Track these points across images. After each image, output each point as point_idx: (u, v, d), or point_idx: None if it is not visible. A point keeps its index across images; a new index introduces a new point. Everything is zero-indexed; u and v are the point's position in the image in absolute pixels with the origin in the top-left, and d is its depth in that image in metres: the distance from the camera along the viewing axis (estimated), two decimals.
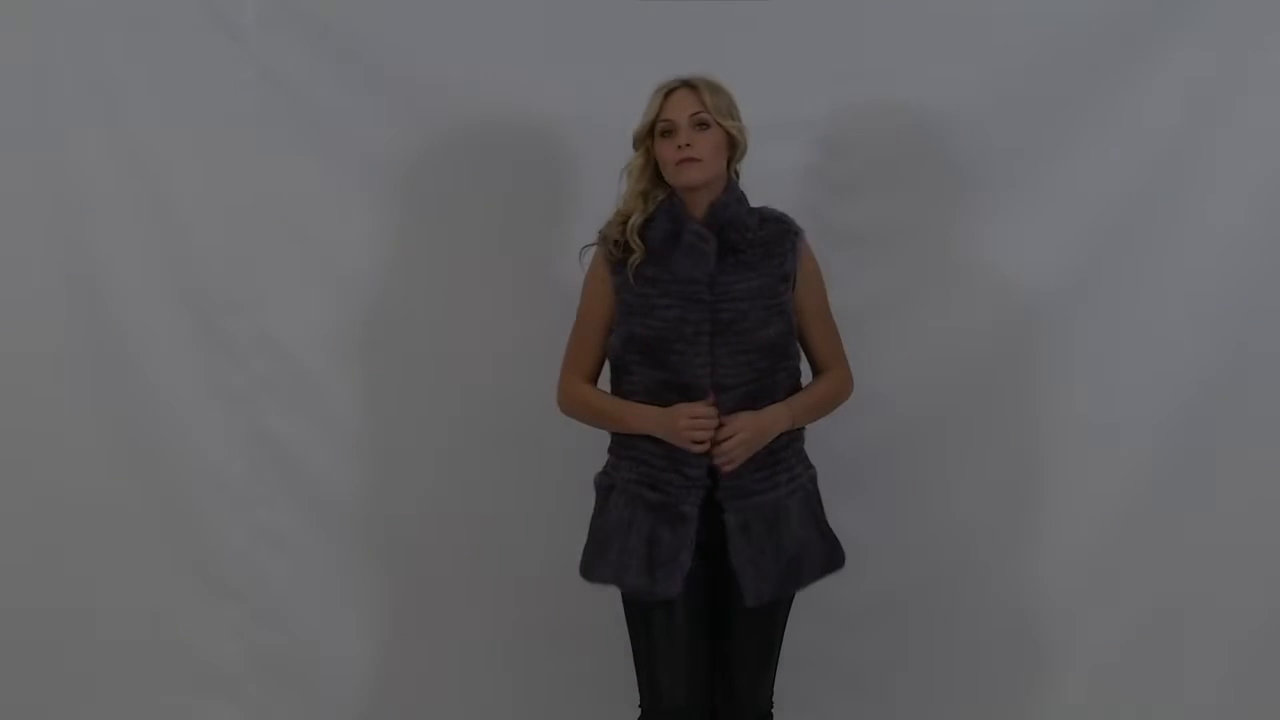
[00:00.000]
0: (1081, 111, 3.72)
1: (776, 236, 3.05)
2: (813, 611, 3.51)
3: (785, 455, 3.05)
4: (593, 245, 3.14)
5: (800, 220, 3.19)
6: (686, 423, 2.93)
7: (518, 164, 3.79)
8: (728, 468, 2.96)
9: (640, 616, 3.06)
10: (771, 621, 3.12)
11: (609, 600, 3.17)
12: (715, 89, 3.02)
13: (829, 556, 3.12)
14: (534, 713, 3.92)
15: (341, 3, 3.80)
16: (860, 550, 3.80)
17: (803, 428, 3.14)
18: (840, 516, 3.36)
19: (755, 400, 2.98)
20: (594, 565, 3.08)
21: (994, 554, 3.83)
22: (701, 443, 2.93)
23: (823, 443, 3.44)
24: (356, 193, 3.83)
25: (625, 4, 3.71)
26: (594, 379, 3.15)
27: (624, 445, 3.08)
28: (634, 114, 3.11)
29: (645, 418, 2.99)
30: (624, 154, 3.16)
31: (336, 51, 3.80)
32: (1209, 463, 3.77)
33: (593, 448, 3.26)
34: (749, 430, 2.96)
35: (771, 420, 3.00)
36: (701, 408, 2.94)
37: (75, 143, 3.81)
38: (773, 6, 3.68)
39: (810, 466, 3.17)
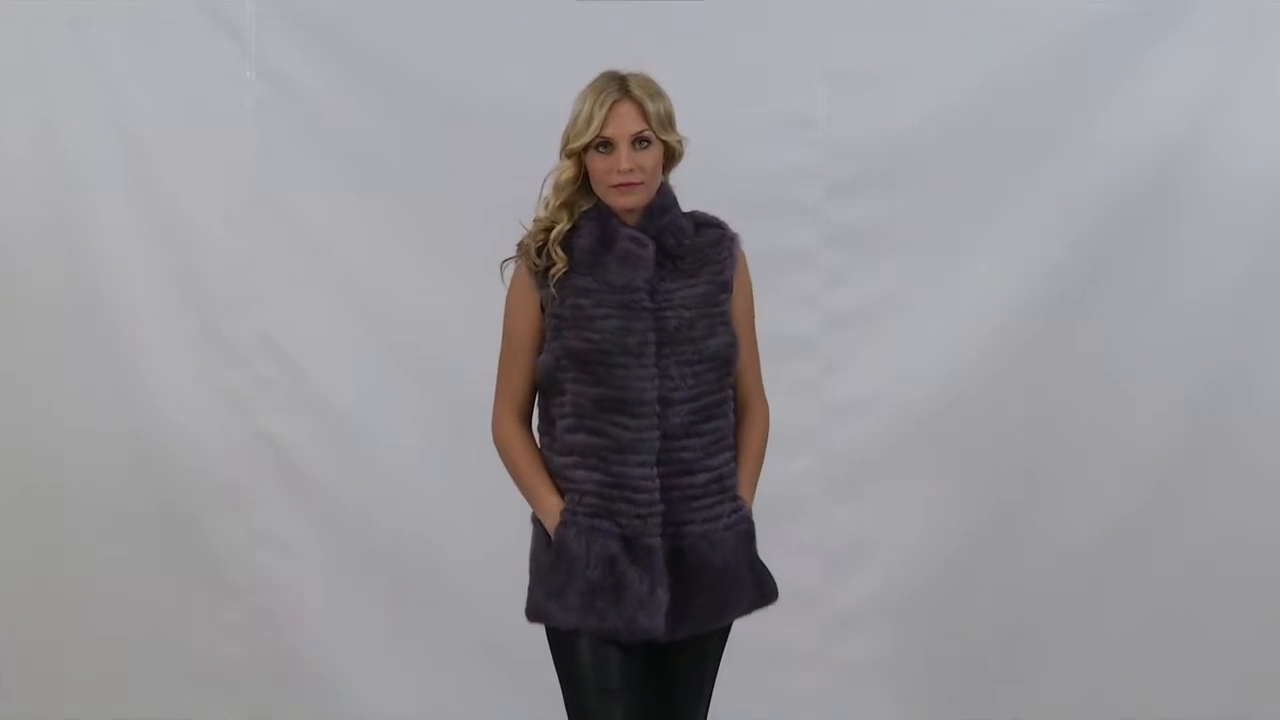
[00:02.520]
0: (1080, 111, 3.72)
1: (713, 242, 2.78)
2: (812, 612, 3.52)
3: (730, 485, 2.76)
4: (512, 259, 2.84)
5: (800, 221, 3.18)
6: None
7: (519, 164, 3.76)
8: None
9: (590, 657, 2.75)
10: (695, 661, 2.81)
11: None
12: (654, 94, 2.74)
13: (759, 595, 2.80)
14: (533, 713, 3.91)
15: (340, 2, 3.80)
16: (860, 550, 3.80)
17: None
18: (840, 516, 3.37)
19: (705, 417, 2.72)
20: (549, 608, 2.79)
21: (994, 554, 3.82)
22: None
23: (821, 442, 3.44)
24: (356, 192, 3.83)
25: (626, 5, 3.71)
26: (529, 405, 2.87)
27: (561, 475, 2.78)
28: None
29: (547, 514, 2.80)
30: None
31: (336, 51, 3.80)
32: (1209, 462, 3.77)
33: None
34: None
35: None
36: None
37: (75, 142, 3.82)
38: (773, 6, 3.69)
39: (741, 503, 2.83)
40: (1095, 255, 3.76)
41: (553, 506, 2.77)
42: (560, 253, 2.74)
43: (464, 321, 3.82)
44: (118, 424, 3.85)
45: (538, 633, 3.90)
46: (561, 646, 2.80)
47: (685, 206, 2.79)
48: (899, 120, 3.74)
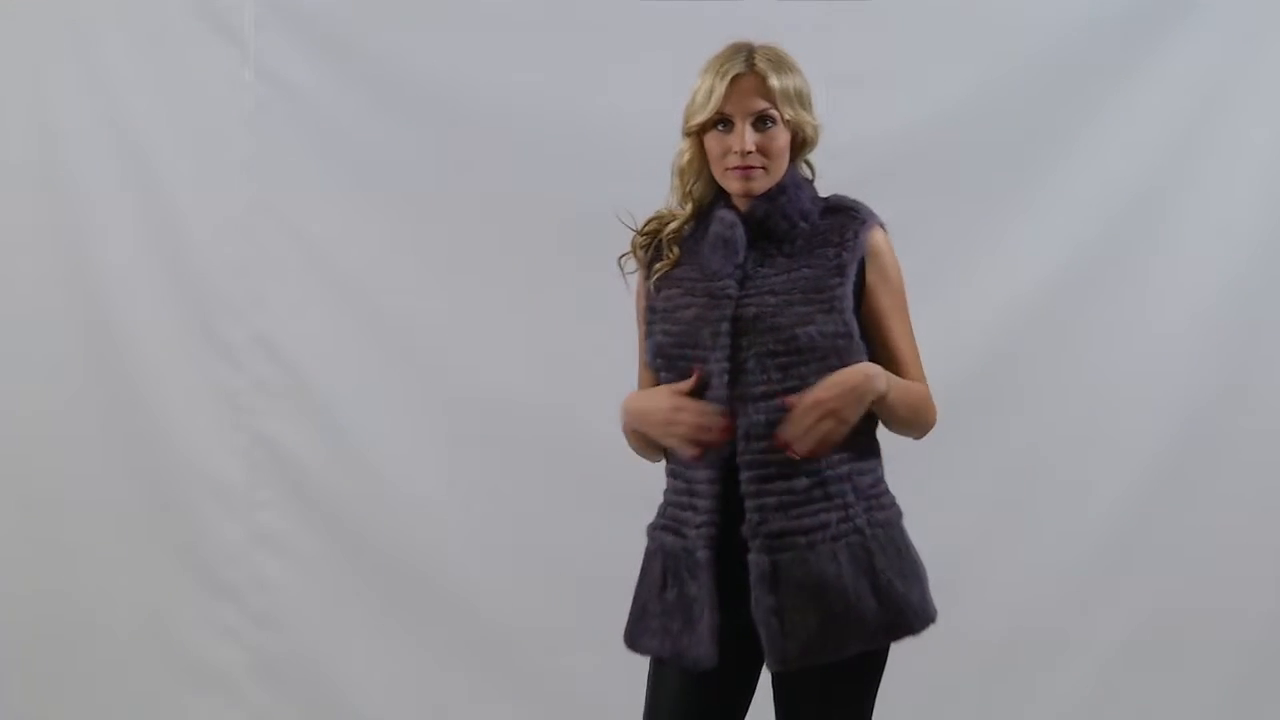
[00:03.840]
0: (1081, 112, 3.72)
1: (836, 226, 2.45)
2: None
3: (840, 490, 2.40)
4: (628, 254, 2.59)
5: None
6: (670, 411, 2.37)
7: (518, 165, 3.79)
8: (802, 452, 2.34)
9: (653, 685, 2.51)
10: (823, 695, 2.43)
11: (608, 602, 3.14)
12: (783, 68, 2.44)
13: (889, 623, 2.42)
14: (532, 716, 3.91)
15: (339, 4, 3.81)
16: None
17: (877, 466, 2.50)
18: None
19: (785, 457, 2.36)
20: (637, 634, 2.51)
21: (992, 556, 3.83)
22: (696, 441, 2.36)
23: None
24: (355, 195, 3.83)
25: (625, 3, 3.71)
26: None
27: (665, 486, 2.52)
28: (633, 112, 3.05)
29: (630, 400, 2.46)
30: (626, 154, 3.14)
31: (334, 53, 3.81)
32: (1210, 464, 3.78)
33: (592, 450, 3.24)
34: (852, 387, 2.33)
35: (850, 374, 2.35)
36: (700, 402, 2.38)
37: (73, 145, 3.83)
38: (770, 8, 3.69)
39: (880, 507, 2.47)
40: (1095, 257, 3.77)
41: (628, 402, 2.44)
42: (674, 250, 2.48)
43: (464, 324, 3.83)
44: (116, 426, 3.85)
45: (536, 635, 3.92)
46: (649, 673, 2.53)
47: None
48: (898, 123, 3.75)
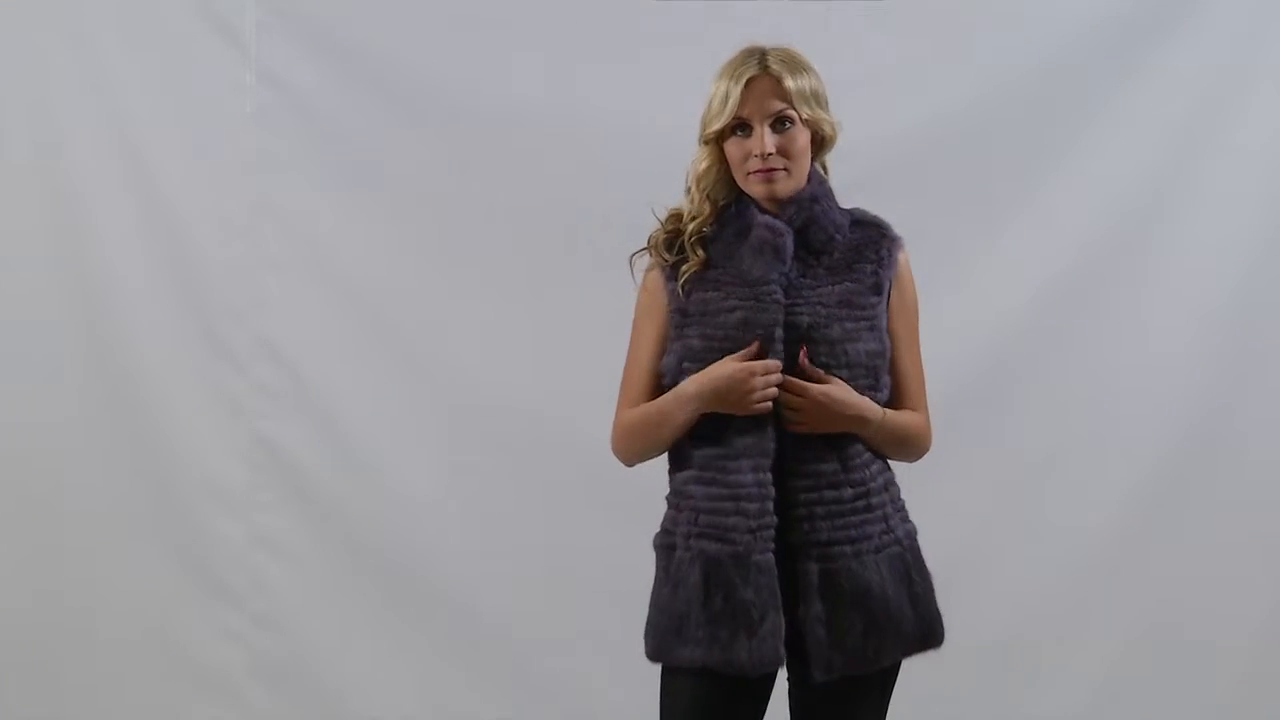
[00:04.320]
0: (1082, 115, 3.73)
1: (869, 241, 2.47)
2: None
3: (881, 501, 2.46)
4: (642, 251, 2.54)
5: None
6: (746, 375, 2.35)
7: (519, 167, 3.79)
8: (799, 427, 2.39)
9: (689, 698, 2.46)
10: (849, 705, 2.47)
11: (607, 603, 3.14)
12: (797, 68, 2.43)
13: (923, 634, 2.48)
14: (532, 717, 3.90)
15: (340, 6, 3.81)
16: None
17: (895, 480, 2.56)
18: None
19: (839, 441, 2.40)
20: (672, 645, 2.44)
21: (993, 558, 3.82)
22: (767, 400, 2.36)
23: None
24: (356, 197, 3.83)
25: (625, 4, 3.71)
26: None
27: (678, 493, 2.48)
28: (635, 115, 3.04)
29: (692, 383, 2.40)
30: (629, 157, 3.12)
31: (335, 55, 3.81)
32: (1210, 468, 3.78)
33: (592, 453, 3.23)
34: (829, 397, 2.37)
35: (857, 403, 2.39)
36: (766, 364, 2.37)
37: (75, 147, 3.82)
38: (765, 14, 3.69)
39: (908, 521, 2.55)
40: (1095, 260, 3.77)
41: (698, 377, 2.40)
42: (699, 251, 2.45)
43: (464, 327, 3.83)
44: (117, 428, 3.85)
45: (536, 638, 3.92)
46: (666, 685, 2.50)
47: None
48: (896, 126, 3.74)
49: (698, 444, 2.43)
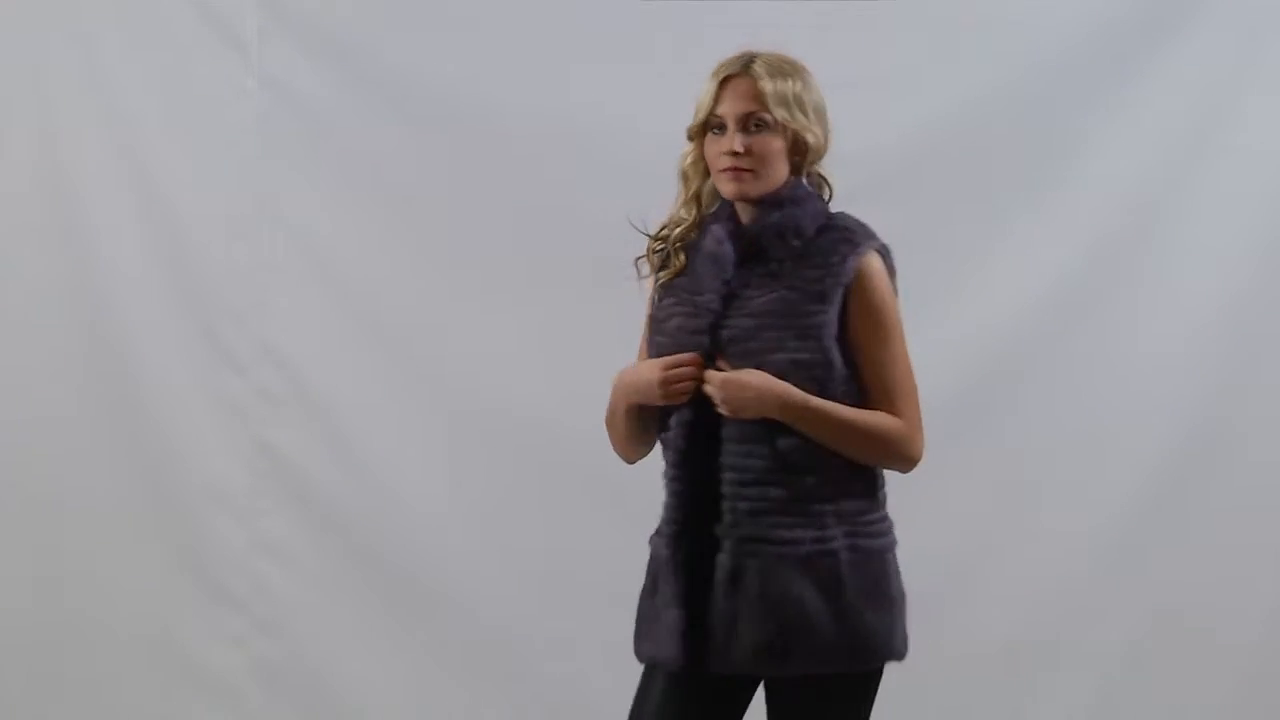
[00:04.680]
0: (1083, 117, 3.73)
1: (827, 248, 2.38)
2: None
3: (821, 510, 2.36)
4: (644, 256, 2.54)
5: None
6: (656, 366, 2.38)
7: (520, 171, 3.79)
8: (726, 410, 2.35)
9: (641, 689, 2.50)
10: (814, 712, 2.41)
11: (607, 607, 3.13)
12: (779, 73, 2.40)
13: (849, 649, 2.36)
14: None
15: (342, 11, 3.82)
16: None
17: (873, 494, 2.44)
18: None
19: (775, 439, 2.35)
20: (636, 640, 2.51)
21: (994, 562, 3.83)
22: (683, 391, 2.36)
23: None
24: (359, 202, 3.84)
25: (626, 6, 3.72)
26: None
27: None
28: (635, 118, 3.05)
29: (620, 375, 2.46)
30: (626, 158, 3.13)
31: (337, 60, 3.82)
32: (1211, 471, 3.78)
33: (594, 458, 3.23)
34: (745, 384, 2.33)
35: (772, 385, 2.32)
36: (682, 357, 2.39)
37: (76, 152, 3.84)
38: (764, 18, 3.69)
39: (867, 535, 2.40)
40: (1096, 265, 3.77)
41: (618, 379, 2.44)
42: (680, 258, 2.45)
43: (467, 331, 3.83)
44: (119, 432, 3.86)
45: (538, 642, 3.92)
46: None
47: None
48: (897, 131, 3.75)
49: (665, 445, 2.46)
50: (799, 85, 2.41)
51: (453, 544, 3.89)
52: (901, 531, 3.77)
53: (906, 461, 2.45)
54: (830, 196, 2.47)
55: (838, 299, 2.35)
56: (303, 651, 3.92)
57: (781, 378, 2.32)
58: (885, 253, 2.42)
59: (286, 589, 3.90)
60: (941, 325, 3.76)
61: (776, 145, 2.39)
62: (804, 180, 2.45)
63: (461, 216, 3.83)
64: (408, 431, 3.89)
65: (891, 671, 3.76)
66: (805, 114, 2.40)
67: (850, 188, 3.74)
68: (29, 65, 3.84)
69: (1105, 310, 3.78)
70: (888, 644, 2.40)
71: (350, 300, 3.87)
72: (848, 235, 2.40)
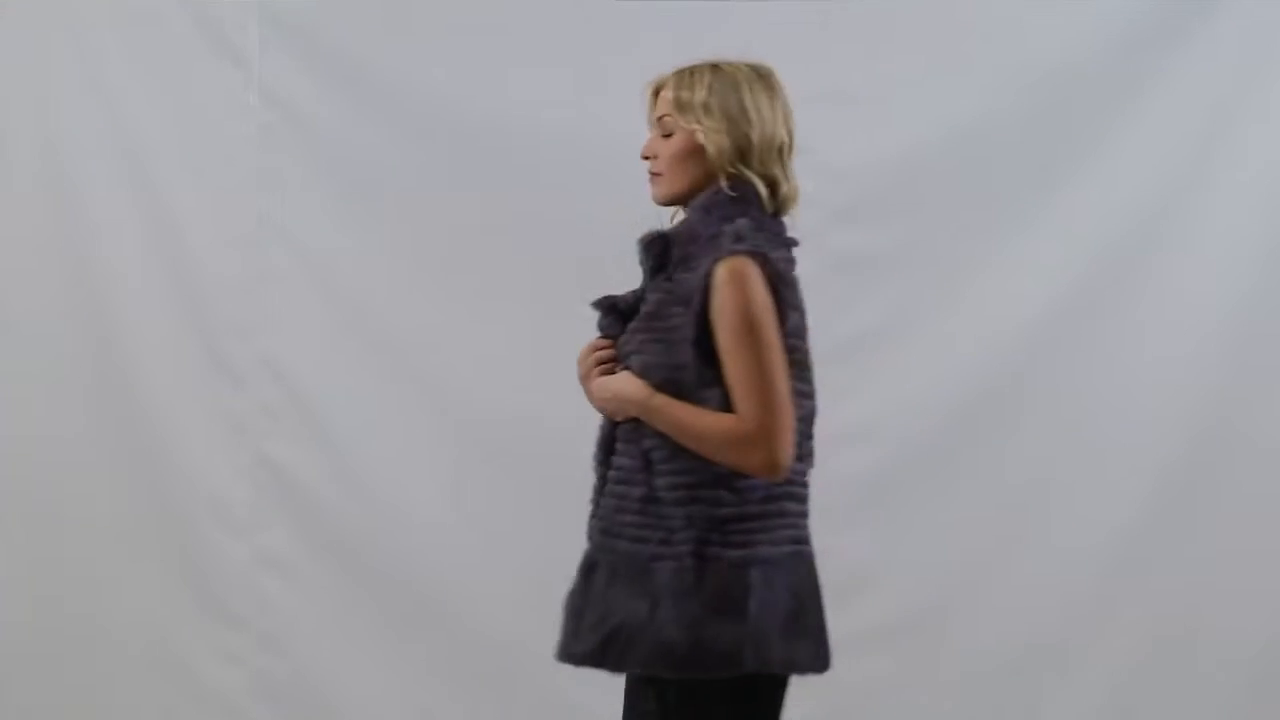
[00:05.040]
0: (1085, 131, 3.74)
1: (706, 251, 2.39)
2: None
3: (672, 513, 2.36)
4: None
5: (799, 247, 3.15)
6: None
7: (521, 183, 3.80)
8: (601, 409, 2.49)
9: None
10: (628, 706, 2.44)
11: None
12: (689, 81, 2.44)
13: (680, 657, 2.32)
14: None
15: (343, 26, 3.84)
16: (862, 576, 3.80)
17: (743, 502, 2.38)
18: (843, 543, 3.35)
19: (641, 438, 2.40)
20: None
21: (997, 579, 3.83)
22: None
23: (824, 469, 3.42)
24: (360, 217, 3.85)
25: (627, 18, 3.73)
26: None
27: None
28: (637, 128, 3.06)
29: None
30: (629, 169, 3.12)
31: (339, 76, 3.84)
32: (1216, 483, 3.78)
33: (591, 471, 3.24)
34: (605, 385, 2.45)
35: (616, 384, 2.43)
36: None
37: (78, 167, 3.85)
38: (766, 31, 3.70)
39: (726, 544, 2.36)
40: (1098, 277, 3.77)
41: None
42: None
43: (468, 345, 3.84)
44: (119, 446, 3.87)
45: (540, 657, 3.87)
46: None
47: None
48: (898, 145, 3.76)
49: None
50: (701, 89, 2.44)
51: (453, 557, 3.89)
52: (903, 553, 3.80)
53: (754, 466, 2.37)
54: (763, 201, 2.44)
55: (697, 303, 2.37)
56: (303, 666, 3.92)
57: (643, 378, 2.38)
58: (762, 259, 2.37)
59: (287, 604, 3.91)
60: (944, 337, 3.78)
61: (676, 148, 2.44)
62: (724, 185, 2.43)
63: (462, 229, 3.83)
64: (408, 445, 3.90)
65: (895, 691, 3.76)
66: (698, 115, 2.42)
67: (852, 200, 3.81)
68: (31, 82, 3.86)
69: (1109, 322, 3.78)
70: (732, 655, 2.33)
71: (350, 314, 3.88)
72: (717, 241, 2.40)
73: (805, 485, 2.47)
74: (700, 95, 2.43)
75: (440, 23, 3.83)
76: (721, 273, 2.36)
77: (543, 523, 3.82)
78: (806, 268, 3.26)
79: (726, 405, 2.35)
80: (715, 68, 2.47)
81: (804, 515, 2.47)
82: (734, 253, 2.36)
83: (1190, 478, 3.79)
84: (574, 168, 3.77)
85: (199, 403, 3.88)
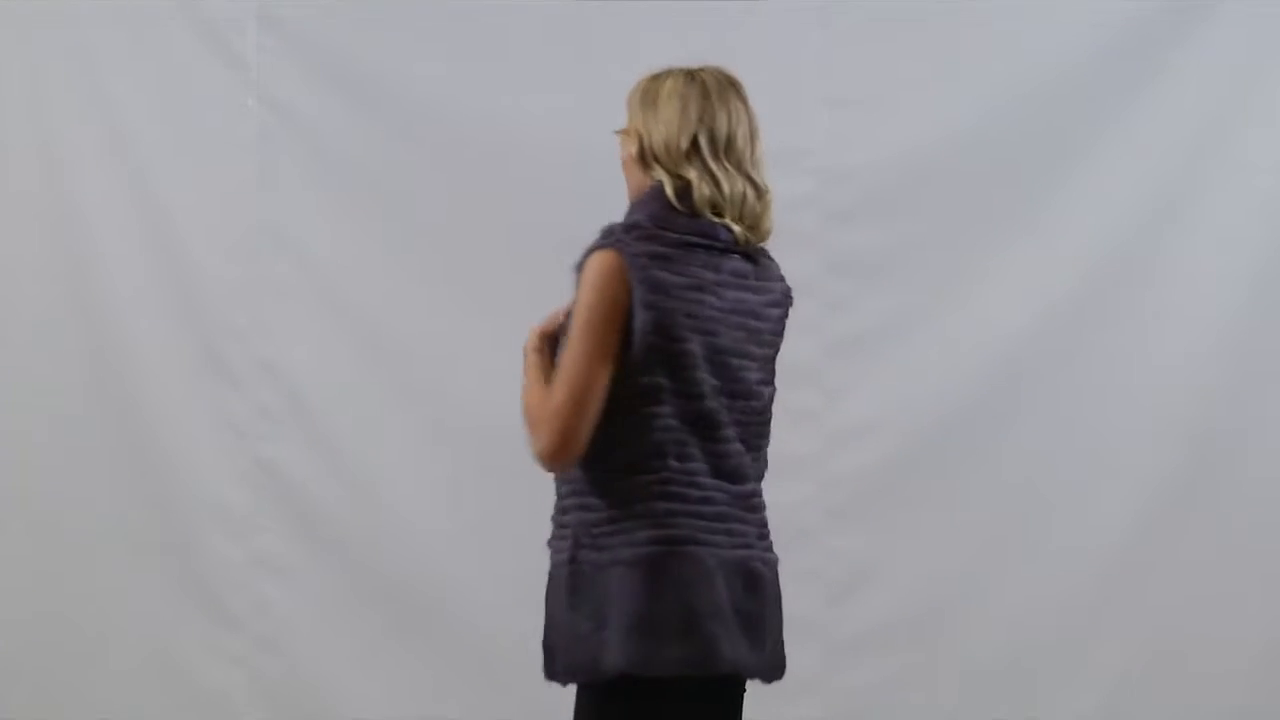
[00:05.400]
0: (1084, 136, 3.74)
1: None
2: (813, 639, 3.50)
3: (567, 521, 2.41)
4: None
5: (798, 248, 3.14)
6: None
7: (522, 190, 3.80)
8: None
9: None
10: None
11: None
12: (645, 84, 2.47)
13: (569, 664, 2.35)
14: None
15: (342, 29, 3.83)
16: (861, 577, 3.80)
17: (612, 506, 2.36)
18: (841, 543, 3.35)
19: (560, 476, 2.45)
20: None
21: (995, 580, 3.82)
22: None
23: (823, 470, 3.43)
24: (358, 220, 3.85)
25: (625, 27, 3.73)
26: None
27: None
28: None
29: None
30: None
31: (337, 79, 3.83)
32: (1214, 491, 3.78)
33: None
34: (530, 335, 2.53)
35: (531, 335, 2.56)
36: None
37: (77, 171, 3.85)
38: (767, 34, 3.70)
39: (598, 548, 2.35)
40: (1098, 281, 3.77)
41: None
42: None
43: (465, 348, 3.83)
44: (118, 450, 3.86)
45: (537, 660, 3.88)
46: None
47: None
48: (897, 147, 3.76)
49: None
50: (637, 93, 2.47)
51: (451, 560, 3.88)
52: (903, 553, 3.80)
53: (534, 451, 2.42)
54: (688, 199, 2.40)
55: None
56: (300, 668, 3.91)
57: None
58: (616, 255, 2.36)
59: (285, 606, 3.90)
60: (943, 338, 3.77)
61: (627, 151, 2.49)
62: (660, 183, 2.42)
63: (461, 234, 3.83)
64: (406, 448, 3.89)
65: (895, 692, 3.74)
66: (638, 120, 2.44)
67: (852, 202, 3.80)
68: (30, 87, 3.85)
69: (1108, 324, 3.78)
70: (593, 659, 2.31)
71: (349, 318, 3.87)
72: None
73: (695, 485, 2.34)
74: (637, 97, 2.47)
75: (438, 26, 3.82)
76: (585, 266, 2.39)
77: (539, 525, 3.81)
78: (807, 268, 3.29)
79: (617, 397, 2.35)
80: (653, 76, 2.48)
81: (688, 515, 2.33)
82: (595, 248, 2.38)
83: (1189, 478, 3.79)
84: (573, 170, 3.76)
85: (197, 405, 3.88)
